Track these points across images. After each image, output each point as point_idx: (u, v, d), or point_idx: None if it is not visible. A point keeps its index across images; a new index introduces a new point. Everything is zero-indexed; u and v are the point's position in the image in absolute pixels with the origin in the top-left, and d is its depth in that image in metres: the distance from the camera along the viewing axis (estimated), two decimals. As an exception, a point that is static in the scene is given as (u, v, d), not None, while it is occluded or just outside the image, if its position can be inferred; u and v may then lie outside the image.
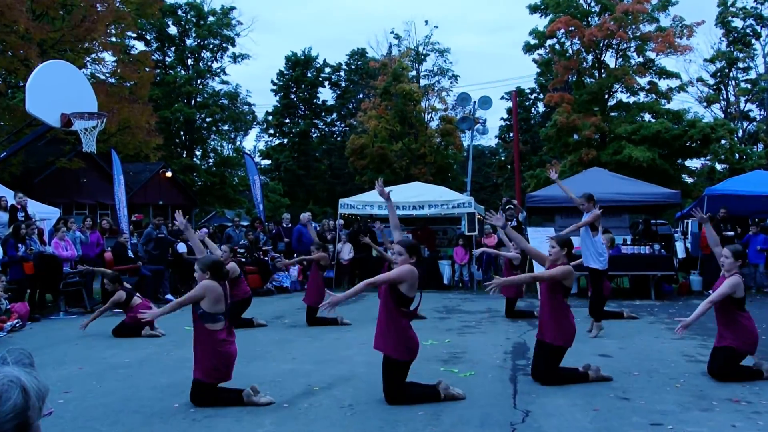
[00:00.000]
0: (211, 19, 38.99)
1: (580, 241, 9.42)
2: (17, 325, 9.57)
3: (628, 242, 14.87)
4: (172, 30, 39.04)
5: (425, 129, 38.57)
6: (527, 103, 48.30)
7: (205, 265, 5.65)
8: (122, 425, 5.03)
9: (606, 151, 28.48)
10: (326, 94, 51.30)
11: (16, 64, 19.25)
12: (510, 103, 43.74)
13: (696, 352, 7.56)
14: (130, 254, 13.81)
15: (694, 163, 31.53)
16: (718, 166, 30.34)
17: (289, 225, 17.44)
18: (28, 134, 13.52)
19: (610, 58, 30.97)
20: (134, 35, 32.57)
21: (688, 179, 30.25)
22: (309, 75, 49.62)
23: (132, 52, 29.12)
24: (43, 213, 14.93)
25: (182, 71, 39.28)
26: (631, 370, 6.71)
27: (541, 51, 32.56)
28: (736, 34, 35.29)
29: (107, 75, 23.56)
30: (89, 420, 5.15)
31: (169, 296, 13.70)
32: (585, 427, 4.86)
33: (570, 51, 31.13)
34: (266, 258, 15.89)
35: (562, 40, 31.13)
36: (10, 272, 11.28)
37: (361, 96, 46.99)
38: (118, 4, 22.00)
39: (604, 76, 30.61)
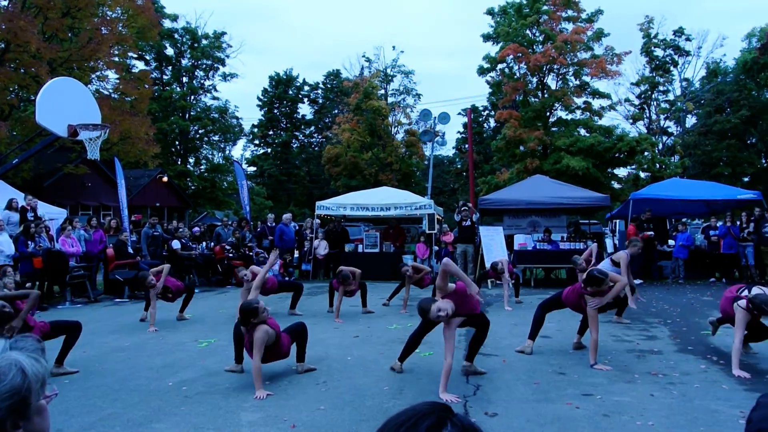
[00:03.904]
0: (204, 42, 38.60)
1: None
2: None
3: (566, 239, 15.05)
4: (170, 51, 38.53)
5: (392, 140, 38.59)
6: (480, 119, 48.51)
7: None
8: (121, 402, 4.95)
9: (547, 160, 28.71)
10: (305, 110, 51.20)
11: (28, 80, 18.86)
12: (466, 119, 43.88)
13: (621, 333, 7.68)
14: (130, 250, 13.62)
15: (621, 172, 31.91)
16: (642, 174, 30.77)
17: (273, 224, 17.35)
18: (38, 143, 13.26)
19: (551, 81, 31.28)
20: (135, 56, 31.98)
21: (616, 185, 30.56)
22: (290, 92, 49.43)
23: (133, 70, 28.72)
24: (52, 213, 14.68)
25: (178, 88, 38.81)
26: (567, 349, 6.79)
27: (492, 74, 32.71)
28: (657, 62, 35.92)
29: (110, 91, 23.17)
30: (91, 398, 5.07)
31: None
32: (527, 398, 4.90)
33: (517, 74, 31.34)
34: (251, 253, 15.78)
35: (511, 64, 31.32)
36: (21, 266, 11.13)
37: (336, 111, 46.87)
38: (120, 28, 21.64)
39: (546, 96, 30.87)
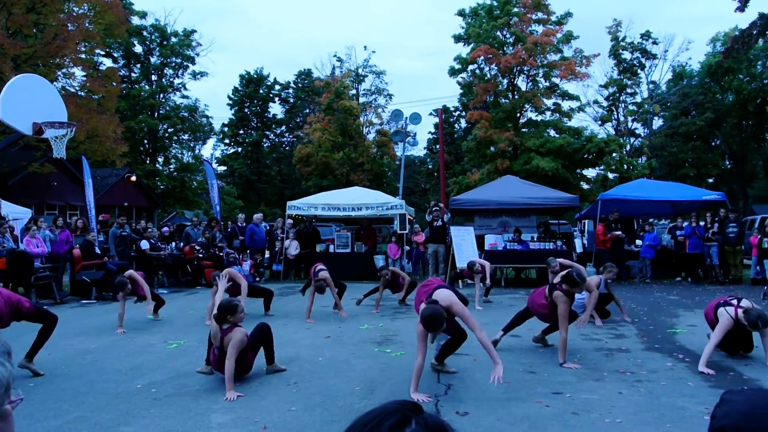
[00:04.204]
0: (173, 40, 38.13)
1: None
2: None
3: (536, 239, 15.19)
4: (138, 49, 37.99)
5: (363, 141, 38.56)
6: (452, 119, 48.75)
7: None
8: (88, 405, 4.86)
9: (518, 161, 28.94)
10: (276, 109, 50.98)
11: (-9, 77, 18.45)
12: (437, 119, 44.07)
13: (590, 332, 7.78)
14: (98, 251, 13.39)
15: (590, 173, 32.31)
16: (610, 175, 31.20)
17: (243, 224, 17.21)
18: (2, 141, 12.97)
19: (521, 82, 31.55)
20: (102, 53, 31.44)
21: (585, 186, 30.92)
22: (261, 91, 49.14)
23: (100, 68, 28.21)
24: (16, 213, 14.39)
25: (146, 86, 38.32)
26: (537, 349, 6.86)
27: (463, 75, 32.89)
28: (625, 65, 36.47)
29: (77, 88, 22.77)
30: (57, 401, 4.96)
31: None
32: (498, 397, 4.93)
33: (488, 75, 31.55)
34: (221, 254, 15.64)
35: (482, 65, 31.52)
36: (-17, 267, 10.85)
37: (307, 111, 46.72)
38: (87, 25, 21.27)
39: (516, 97, 31.13)
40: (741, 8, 18.42)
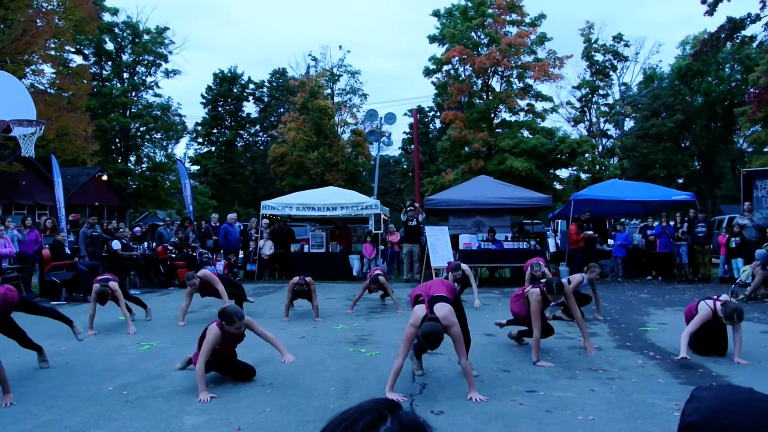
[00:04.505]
0: (146, 37, 37.62)
1: None
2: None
3: (509, 239, 15.31)
4: (110, 46, 37.42)
5: (338, 140, 38.49)
6: (426, 120, 48.84)
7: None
8: (58, 408, 4.78)
9: (492, 161, 29.07)
10: (250, 108, 50.56)
11: (-44, 73, 18.00)
12: (412, 119, 44.17)
13: (563, 330, 7.86)
14: (67, 251, 13.17)
15: (563, 173, 32.56)
16: (583, 176, 31.51)
17: (217, 224, 17.07)
18: (-32, 139, 12.69)
19: (496, 83, 31.69)
20: (73, 50, 30.81)
21: (558, 186, 31.14)
22: (235, 90, 48.71)
23: (71, 65, 27.70)
24: (-17, 213, 14.05)
25: (118, 84, 37.73)
26: (511, 347, 6.92)
27: (438, 75, 32.93)
28: (597, 66, 36.92)
29: (46, 85, 22.30)
30: (26, 405, 4.87)
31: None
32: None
33: (463, 76, 31.64)
34: (195, 254, 15.48)
35: (456, 66, 31.60)
36: (-51, 268, 10.59)
37: (281, 110, 46.40)
38: (57, 21, 20.86)
39: (491, 98, 31.27)
40: (710, 12, 18.76)
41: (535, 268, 9.70)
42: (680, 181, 40.88)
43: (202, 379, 5.07)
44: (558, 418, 4.36)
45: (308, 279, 9.41)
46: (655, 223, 15.67)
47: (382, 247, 16.69)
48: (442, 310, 4.96)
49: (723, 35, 18.97)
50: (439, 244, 14.68)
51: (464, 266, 10.34)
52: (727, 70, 39.09)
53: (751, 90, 21.87)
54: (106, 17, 35.25)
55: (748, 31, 19.35)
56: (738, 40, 20.26)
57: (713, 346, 6.33)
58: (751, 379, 5.37)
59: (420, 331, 4.81)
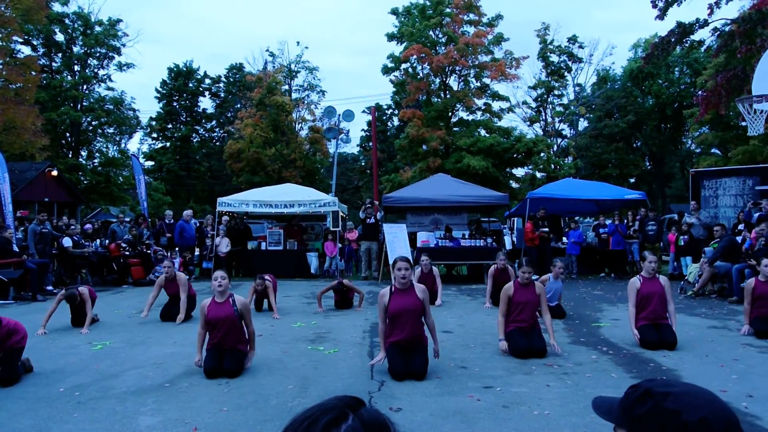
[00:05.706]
0: (98, 29, 36.59)
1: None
2: None
3: (467, 236, 15.44)
4: (60, 37, 36.27)
5: (296, 137, 38.27)
6: (384, 117, 48.94)
7: None
8: (6, 411, 4.63)
9: (449, 159, 29.33)
10: (206, 103, 49.68)
11: None
12: (370, 117, 44.22)
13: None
14: (15, 248, 12.74)
15: (519, 172, 33.07)
16: (538, 174, 32.03)
17: (171, 221, 16.76)
18: None
19: (453, 82, 31.99)
20: (20, 40, 29.86)
21: (514, 185, 31.59)
22: (191, 85, 47.84)
23: (18, 56, 26.85)
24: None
25: (69, 76, 36.63)
26: (469, 344, 6.99)
27: (396, 73, 33.06)
28: (553, 67, 37.62)
29: (-8, 77, 21.62)
30: (-29, 406, 4.71)
31: (50, 288, 12.84)
32: (431, 392, 5.00)
33: (421, 74, 31.83)
34: (149, 251, 15.18)
35: (415, 64, 31.77)
36: None
37: (238, 106, 45.83)
38: (3, 9, 20.19)
39: (448, 96, 31.55)
40: (660, 17, 19.30)
41: (500, 258, 10.18)
42: (632, 180, 41.91)
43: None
44: (514, 414, 4.42)
45: (266, 276, 9.32)
46: (608, 222, 16.02)
47: (340, 245, 16.66)
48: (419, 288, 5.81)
49: (673, 39, 19.50)
50: (397, 242, 14.72)
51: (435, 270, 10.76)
52: (676, 73, 40.27)
53: (699, 93, 22.54)
54: (56, 7, 34.18)
55: (696, 36, 19.96)
56: (687, 45, 20.85)
57: (661, 341, 6.53)
58: (698, 371, 5.56)
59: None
